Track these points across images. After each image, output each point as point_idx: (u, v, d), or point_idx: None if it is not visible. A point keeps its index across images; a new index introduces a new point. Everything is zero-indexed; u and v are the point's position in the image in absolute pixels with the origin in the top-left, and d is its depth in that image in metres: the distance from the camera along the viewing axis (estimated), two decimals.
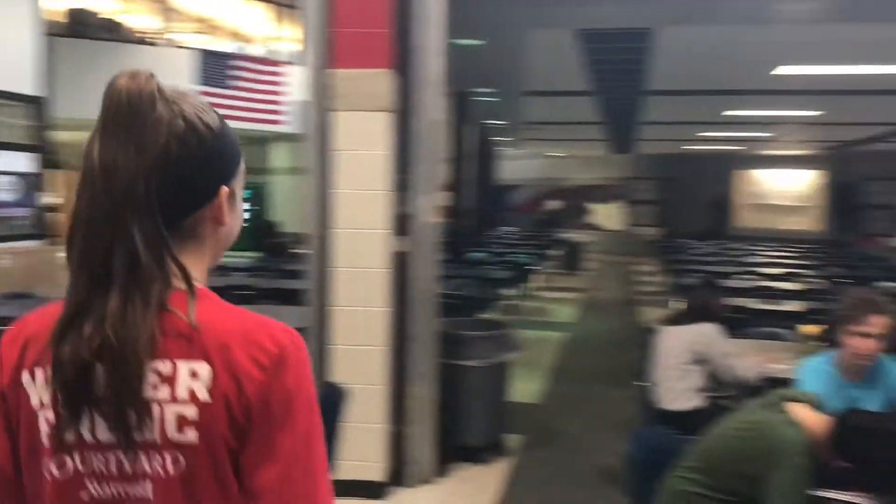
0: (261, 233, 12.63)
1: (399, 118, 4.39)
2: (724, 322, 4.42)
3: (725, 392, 4.94)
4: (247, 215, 16.03)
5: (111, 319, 0.97)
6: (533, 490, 4.56)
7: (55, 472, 1.03)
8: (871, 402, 3.18)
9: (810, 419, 2.55)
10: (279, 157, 17.03)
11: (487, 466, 4.87)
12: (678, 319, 4.42)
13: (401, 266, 4.43)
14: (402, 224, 4.49)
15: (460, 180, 11.22)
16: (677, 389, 4.19)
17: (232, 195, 1.11)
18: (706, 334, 4.21)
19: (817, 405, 2.70)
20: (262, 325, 1.05)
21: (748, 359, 4.37)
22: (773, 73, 8.03)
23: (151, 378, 0.99)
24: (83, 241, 1.01)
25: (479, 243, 14.39)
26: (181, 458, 1.00)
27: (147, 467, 1.01)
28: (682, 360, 4.21)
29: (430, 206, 4.49)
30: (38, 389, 1.03)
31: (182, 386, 1.00)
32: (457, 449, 4.87)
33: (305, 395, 1.05)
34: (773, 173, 20.89)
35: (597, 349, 9.03)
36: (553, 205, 22.88)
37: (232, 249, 1.20)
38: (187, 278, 1.04)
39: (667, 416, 4.19)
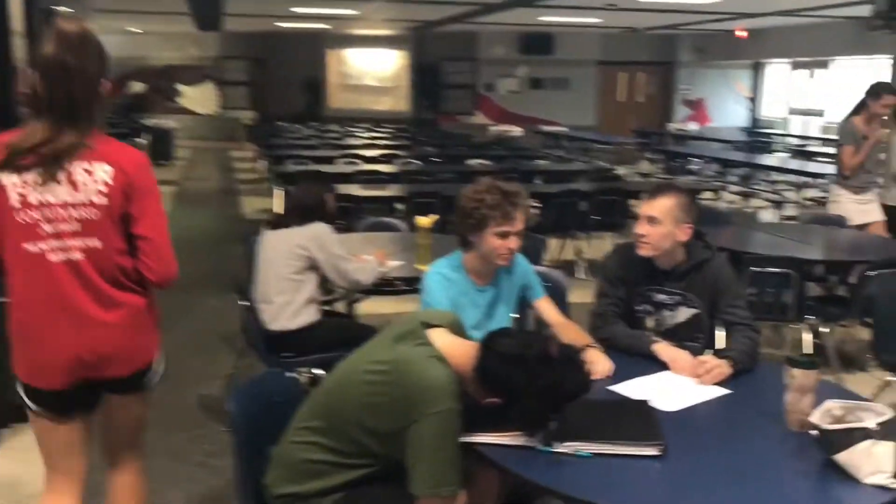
0: None
1: None
2: (335, 220, 3.84)
3: (341, 299, 4.45)
4: None
5: (76, 138, 2.09)
6: None
7: (25, 218, 2.09)
8: (505, 306, 2.83)
9: (455, 349, 2.05)
10: None
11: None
12: (282, 221, 3.72)
13: None
14: None
15: (7, 58, 9.08)
16: (286, 304, 3.54)
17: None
18: (316, 236, 3.58)
19: (458, 328, 2.22)
20: (131, 148, 2.24)
21: (362, 258, 3.87)
22: None
23: (81, 168, 2.10)
24: (59, 109, 2.09)
25: None
26: (97, 211, 2.12)
27: (79, 214, 2.11)
28: (290, 270, 3.55)
29: None
30: (8, 178, 2.07)
31: (98, 175, 2.11)
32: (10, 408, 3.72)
33: (154, 182, 2.24)
34: (363, 53, 20.98)
35: (193, 249, 8.05)
36: (136, 87, 20.53)
37: None
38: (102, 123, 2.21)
39: (275, 338, 3.54)
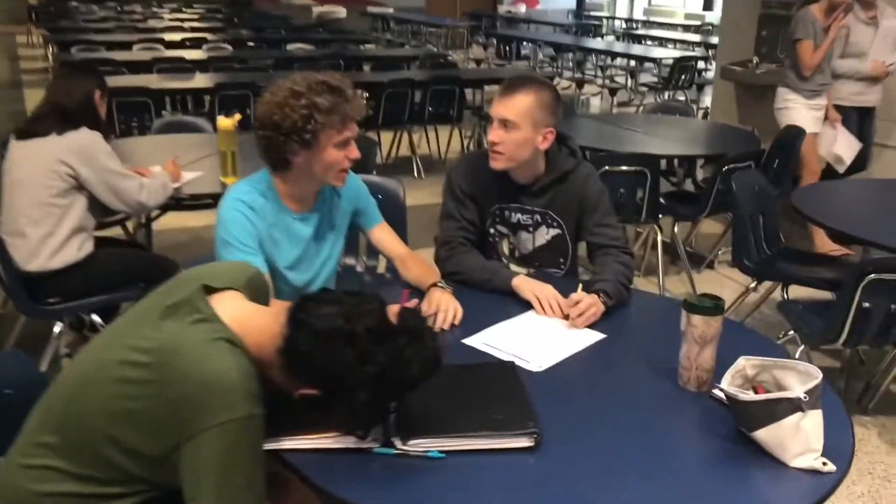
0: None
1: None
2: (109, 125, 3.02)
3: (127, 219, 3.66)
4: None
5: None
6: None
7: None
8: (334, 237, 2.22)
9: (252, 322, 1.43)
10: None
11: None
12: (35, 129, 2.85)
13: None
14: None
15: None
16: (45, 238, 2.74)
17: None
18: (81, 148, 2.76)
19: (257, 287, 1.60)
20: None
21: (148, 171, 3.10)
22: None
23: None
24: None
25: None
26: None
27: None
28: (47, 193, 2.74)
29: None
30: None
31: None
32: None
33: None
34: None
35: None
36: None
37: None
38: None
39: (34, 281, 2.76)
